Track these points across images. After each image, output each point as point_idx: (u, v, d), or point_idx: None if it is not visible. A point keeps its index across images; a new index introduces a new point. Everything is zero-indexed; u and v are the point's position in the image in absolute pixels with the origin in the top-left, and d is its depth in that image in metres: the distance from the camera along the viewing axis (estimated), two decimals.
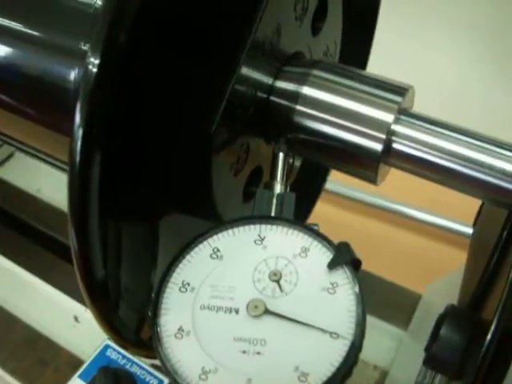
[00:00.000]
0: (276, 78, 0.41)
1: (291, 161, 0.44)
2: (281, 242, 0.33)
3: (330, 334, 0.30)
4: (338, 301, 0.31)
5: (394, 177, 0.44)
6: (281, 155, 0.40)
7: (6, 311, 0.80)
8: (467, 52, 1.22)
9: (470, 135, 0.37)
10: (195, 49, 0.36)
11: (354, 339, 0.29)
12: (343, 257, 0.32)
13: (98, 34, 0.29)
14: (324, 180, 0.62)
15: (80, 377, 0.56)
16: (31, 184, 0.99)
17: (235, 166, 0.40)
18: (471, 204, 0.51)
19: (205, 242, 0.34)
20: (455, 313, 0.42)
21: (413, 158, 0.38)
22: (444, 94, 1.11)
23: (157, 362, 0.31)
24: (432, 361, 0.41)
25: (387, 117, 0.38)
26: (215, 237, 0.34)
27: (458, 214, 0.91)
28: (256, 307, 0.31)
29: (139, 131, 0.35)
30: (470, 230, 0.59)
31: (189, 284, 0.32)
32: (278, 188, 0.38)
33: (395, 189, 0.77)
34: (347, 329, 0.30)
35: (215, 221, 0.39)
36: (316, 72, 0.40)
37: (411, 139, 0.38)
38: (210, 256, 0.33)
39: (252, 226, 0.34)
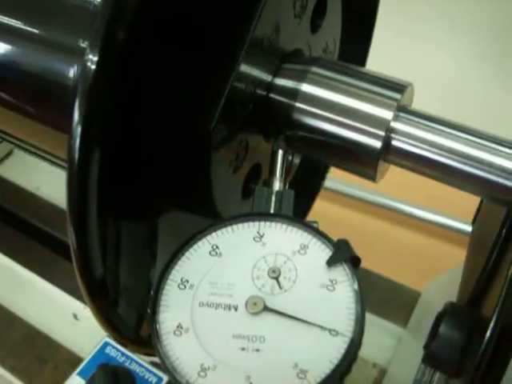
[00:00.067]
0: (275, 75, 0.41)
1: (290, 158, 0.44)
2: (280, 239, 0.33)
3: (329, 331, 0.30)
4: (337, 298, 0.31)
5: (393, 174, 0.44)
6: (280, 152, 0.40)
7: (5, 308, 0.80)
8: (468, 50, 1.22)
9: (469, 132, 0.37)
10: (194, 46, 0.36)
11: (353, 336, 0.29)
12: (342, 254, 0.32)
13: (96, 31, 0.29)
14: (323, 177, 0.62)
15: (79, 374, 0.56)
16: (30, 182, 0.99)
17: (234, 163, 0.40)
18: (470, 202, 0.51)
19: (204, 239, 0.34)
20: (454, 310, 0.42)
21: (412, 155, 0.38)
22: (444, 91, 1.12)
23: (156, 359, 0.31)
24: (431, 358, 0.41)
25: (386, 114, 0.38)
26: (214, 234, 0.34)
27: (457, 212, 0.91)
28: (255, 304, 0.31)
29: (138, 128, 0.35)
30: (469, 228, 0.59)
31: (188, 281, 0.32)
32: (277, 185, 0.38)
33: (394, 186, 0.77)
34: (346, 326, 0.30)
35: (214, 218, 0.39)
36: (315, 69, 0.40)
37: (410, 136, 0.38)
38: (209, 253, 0.33)
39: (251, 223, 0.34)
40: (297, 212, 0.36)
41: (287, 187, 0.39)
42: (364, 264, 0.32)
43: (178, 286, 0.32)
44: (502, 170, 0.36)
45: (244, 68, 0.37)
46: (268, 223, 0.34)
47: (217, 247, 0.33)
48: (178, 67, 0.35)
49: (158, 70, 0.35)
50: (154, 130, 0.36)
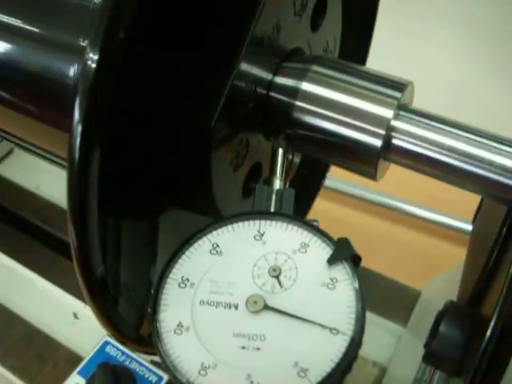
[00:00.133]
0: (275, 73, 0.41)
1: (290, 157, 0.44)
2: (280, 238, 0.33)
3: (330, 329, 0.30)
4: (337, 296, 0.31)
5: (393, 173, 0.44)
6: (280, 151, 0.40)
7: (5, 308, 0.80)
8: (467, 50, 1.22)
9: (469, 131, 0.37)
10: (195, 44, 0.36)
11: (354, 335, 0.29)
12: (343, 252, 0.32)
13: (97, 29, 0.29)
14: (323, 176, 0.62)
15: (79, 373, 0.56)
16: (30, 181, 0.99)
17: (235, 161, 0.40)
18: (470, 201, 0.51)
19: (204, 238, 0.34)
20: (455, 309, 0.42)
21: (412, 153, 0.38)
22: (444, 91, 1.12)
23: (156, 358, 0.31)
24: (431, 357, 0.41)
25: (387, 112, 0.38)
26: (215, 232, 0.34)
27: (457, 211, 0.91)
28: (255, 303, 0.31)
29: (138, 127, 0.35)
30: (469, 227, 0.59)
31: (188, 280, 0.32)
32: (277, 184, 0.38)
33: (395, 185, 0.77)
34: (347, 324, 0.30)
35: (215, 216, 0.39)
36: (315, 68, 0.40)
37: (411, 135, 0.38)
38: (210, 251, 0.33)
39: (251, 222, 0.34)
40: (297, 211, 0.36)
41: (288, 186, 0.39)
42: (364, 263, 0.32)
43: (179, 285, 0.32)
44: (503, 169, 0.36)
45: (244, 66, 0.37)
46: (268, 222, 0.34)
47: (217, 246, 0.33)
48: (179, 65, 0.35)
49: (158, 68, 0.35)
50: (155, 128, 0.36)
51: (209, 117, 0.35)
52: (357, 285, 0.31)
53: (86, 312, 0.75)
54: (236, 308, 0.31)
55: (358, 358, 0.29)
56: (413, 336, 0.74)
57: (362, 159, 0.39)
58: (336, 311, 0.30)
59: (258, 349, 0.30)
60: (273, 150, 0.40)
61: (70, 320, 0.77)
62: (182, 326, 0.31)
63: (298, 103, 0.40)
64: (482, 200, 0.54)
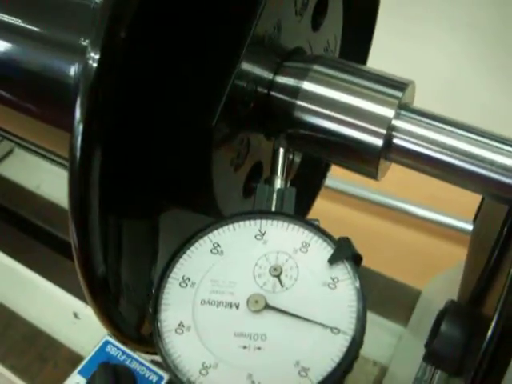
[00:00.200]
0: (276, 73, 0.41)
1: (291, 157, 0.44)
2: (281, 237, 0.33)
3: (331, 329, 0.30)
4: (338, 296, 0.31)
5: (394, 173, 0.44)
6: (281, 150, 0.40)
7: (6, 308, 0.80)
8: (467, 51, 1.22)
9: (471, 130, 0.37)
10: (196, 44, 0.36)
11: (355, 334, 0.29)
12: (344, 252, 0.32)
13: (98, 29, 0.29)
14: (324, 176, 0.62)
15: (80, 373, 0.56)
16: (31, 180, 0.99)
17: (235, 161, 0.40)
18: (471, 201, 0.51)
19: (205, 237, 0.34)
20: (455, 309, 0.42)
21: (413, 153, 0.38)
22: (443, 92, 1.12)
23: (157, 357, 0.31)
24: (432, 357, 0.41)
25: (388, 112, 0.38)
26: (215, 232, 0.34)
27: (458, 210, 0.91)
28: (256, 302, 0.31)
29: (139, 126, 0.35)
30: (470, 227, 0.59)
31: (189, 279, 0.32)
32: (278, 183, 0.38)
33: (395, 185, 0.77)
34: (348, 324, 0.30)
35: (215, 216, 0.39)
36: (316, 67, 0.40)
37: (412, 134, 0.38)
38: (211, 251, 0.33)
39: (252, 221, 0.34)
40: (298, 211, 0.36)
41: (288, 186, 0.39)
42: (365, 263, 0.32)
43: (180, 284, 0.32)
44: (504, 169, 0.36)
45: (245, 66, 0.37)
46: (269, 221, 0.34)
47: (218, 245, 0.33)
48: (180, 65, 0.35)
49: (159, 67, 0.35)
50: (156, 127, 0.36)
51: (210, 116, 0.35)
52: (358, 284, 0.31)
53: (87, 312, 0.75)
54: (237, 307, 0.31)
55: (359, 357, 0.29)
56: (413, 335, 0.74)
57: (363, 159, 0.39)
58: (337, 310, 0.30)
59: (259, 348, 0.30)
60: (274, 150, 0.40)
61: (71, 320, 0.77)
62: (183, 326, 0.31)
63: (299, 103, 0.40)
64: (482, 200, 0.54)
